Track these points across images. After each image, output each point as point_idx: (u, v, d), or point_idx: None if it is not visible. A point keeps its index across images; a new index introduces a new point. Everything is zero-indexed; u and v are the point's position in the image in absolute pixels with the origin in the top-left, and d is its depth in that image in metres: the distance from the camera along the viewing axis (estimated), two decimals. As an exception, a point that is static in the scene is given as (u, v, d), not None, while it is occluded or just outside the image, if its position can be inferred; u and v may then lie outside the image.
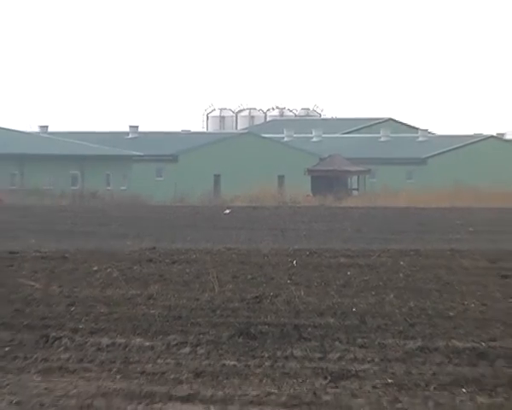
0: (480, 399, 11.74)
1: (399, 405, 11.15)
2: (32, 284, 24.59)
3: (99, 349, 16.06)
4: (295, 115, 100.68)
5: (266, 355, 15.26)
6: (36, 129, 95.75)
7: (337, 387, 12.44)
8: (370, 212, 68.29)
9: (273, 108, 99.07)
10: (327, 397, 11.85)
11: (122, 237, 44.81)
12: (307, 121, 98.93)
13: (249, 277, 28.39)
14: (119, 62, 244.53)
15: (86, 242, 41.69)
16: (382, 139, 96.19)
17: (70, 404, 11.45)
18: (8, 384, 12.82)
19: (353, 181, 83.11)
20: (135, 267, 31.54)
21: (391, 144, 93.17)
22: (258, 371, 13.70)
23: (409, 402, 11.27)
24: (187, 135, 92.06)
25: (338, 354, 15.26)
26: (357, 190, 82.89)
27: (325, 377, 13.18)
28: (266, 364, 14.25)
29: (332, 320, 19.67)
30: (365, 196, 79.81)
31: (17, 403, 11.31)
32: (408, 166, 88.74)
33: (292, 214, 61.58)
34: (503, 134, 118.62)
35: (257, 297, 22.44)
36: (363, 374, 13.53)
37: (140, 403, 11.52)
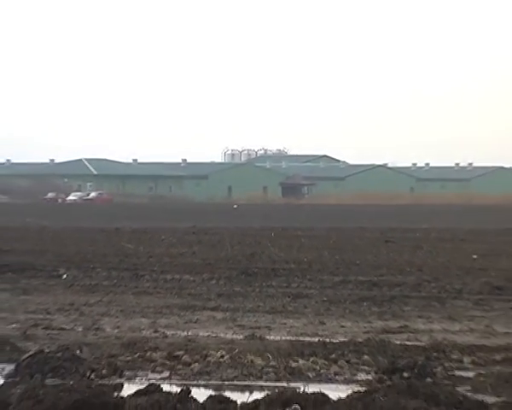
0: (374, 308, 16.73)
1: (330, 312, 15.94)
2: (128, 245, 32.32)
3: (165, 281, 20.89)
4: (273, 152, 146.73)
5: (257, 285, 20.05)
6: (130, 160, 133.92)
7: (296, 302, 17.42)
8: (315, 207, 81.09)
9: (260, 149, 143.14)
10: (290, 307, 16.65)
11: (177, 220, 58.68)
12: (280, 156, 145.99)
13: (247, 242, 35.10)
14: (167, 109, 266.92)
15: (157, 222, 56.60)
16: (321, 166, 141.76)
17: (150, 311, 15.91)
18: (115, 301, 17.22)
19: (305, 189, 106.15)
20: (185, 236, 40.11)
21: (325, 169, 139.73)
22: (252, 294, 18.91)
23: (335, 310, 16.17)
24: (213, 164, 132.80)
25: (296, 284, 20.35)
26: (307, 194, 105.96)
27: (289, 296, 18.16)
28: (257, 290, 19.22)
29: (293, 266, 24.76)
30: (312, 198, 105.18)
31: (121, 311, 15.76)
32: (334, 181, 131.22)
33: (271, 208, 72.03)
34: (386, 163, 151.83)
35: (251, 254, 28.88)
36: (310, 295, 18.22)
37: (187, 311, 16.19)
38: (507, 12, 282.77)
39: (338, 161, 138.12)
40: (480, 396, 8.37)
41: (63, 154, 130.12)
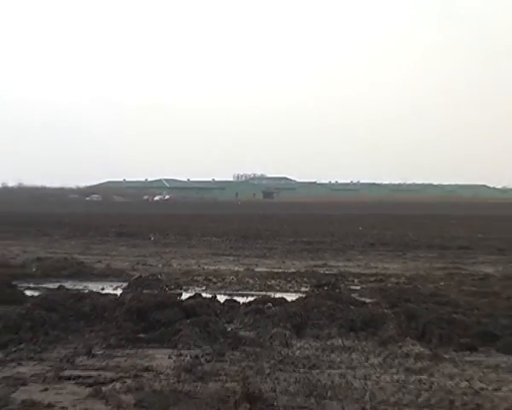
0: (309, 255, 16.16)
1: (287, 257, 15.54)
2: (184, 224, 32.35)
3: (203, 241, 20.99)
4: (258, 175, 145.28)
5: (250, 243, 19.99)
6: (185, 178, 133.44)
7: (270, 252, 17.01)
8: (279, 204, 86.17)
9: (252, 174, 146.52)
10: (267, 254, 16.28)
11: (208, 210, 54.00)
12: (262, 177, 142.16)
13: (245, 221, 34.61)
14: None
15: (198, 211, 51.11)
16: (282, 182, 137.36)
17: (195, 256, 15.61)
18: (178, 251, 16.85)
19: (274, 195, 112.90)
20: (212, 219, 37.74)
21: (285, 184, 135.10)
22: (247, 247, 18.57)
23: (290, 256, 15.47)
24: (228, 181, 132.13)
25: (270, 243, 20.10)
26: (276, 197, 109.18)
27: (266, 249, 17.94)
28: (250, 246, 19.09)
29: (268, 233, 24.41)
30: (278, 199, 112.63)
31: (181, 256, 15.49)
32: (289, 190, 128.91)
33: (257, 204, 73.67)
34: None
35: (248, 228, 27.96)
36: (277, 248, 18.09)
37: (214, 256, 15.88)
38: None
39: (291, 179, 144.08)
40: (362, 298, 9.12)
41: (152, 174, 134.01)
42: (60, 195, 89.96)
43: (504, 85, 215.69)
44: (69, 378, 4.79)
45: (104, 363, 5.30)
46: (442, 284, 10.29)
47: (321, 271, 12.56)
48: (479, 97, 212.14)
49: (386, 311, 7.27)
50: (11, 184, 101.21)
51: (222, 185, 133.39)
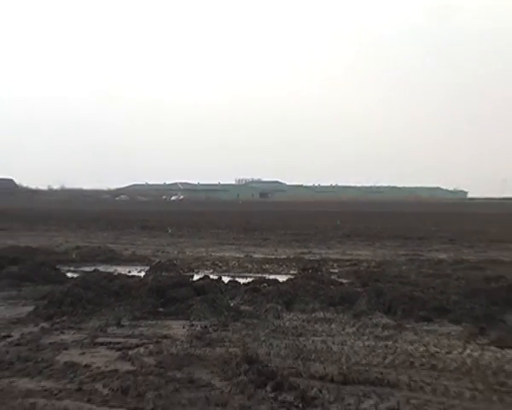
0: (297, 244, 16.09)
1: (279, 246, 15.41)
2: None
3: (211, 233, 20.70)
4: (256, 179, 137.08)
5: (249, 234, 19.88)
6: (196, 182, 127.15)
7: (265, 241, 16.98)
8: (273, 203, 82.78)
9: (250, 178, 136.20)
10: (262, 244, 16.54)
11: (214, 207, 53.97)
12: (258, 181, 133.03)
13: (244, 217, 33.49)
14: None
15: (207, 208, 48.69)
16: (275, 185, 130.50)
17: (204, 245, 15.62)
18: (190, 241, 17.06)
19: (269, 196, 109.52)
20: (218, 214, 38.46)
21: (277, 186, 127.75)
22: (247, 238, 18.50)
23: (281, 245, 15.36)
24: (231, 184, 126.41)
25: (265, 234, 19.84)
26: (270, 197, 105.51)
27: (262, 239, 18.11)
28: (248, 236, 19.10)
29: (263, 226, 24.17)
30: (272, 199, 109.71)
31: (193, 245, 15.77)
32: (280, 192, 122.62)
33: (254, 203, 72.89)
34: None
35: (247, 222, 27.33)
36: (271, 239, 17.98)
37: (220, 245, 15.92)
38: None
39: (282, 183, 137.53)
40: (340, 279, 9.17)
41: (169, 178, 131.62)
42: (94, 195, 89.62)
43: (451, 100, 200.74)
44: (102, 344, 4.82)
45: (130, 332, 5.33)
46: (404, 267, 10.31)
47: (306, 257, 12.50)
48: (438, 110, 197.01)
49: (359, 289, 7.30)
50: (55, 186, 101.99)
51: (226, 188, 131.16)
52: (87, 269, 9.75)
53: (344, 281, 8.49)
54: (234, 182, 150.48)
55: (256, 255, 12.87)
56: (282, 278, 8.53)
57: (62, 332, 5.27)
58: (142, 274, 9.22)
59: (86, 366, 4.14)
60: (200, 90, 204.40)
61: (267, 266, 10.83)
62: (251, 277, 9.08)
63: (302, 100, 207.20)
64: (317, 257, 12.41)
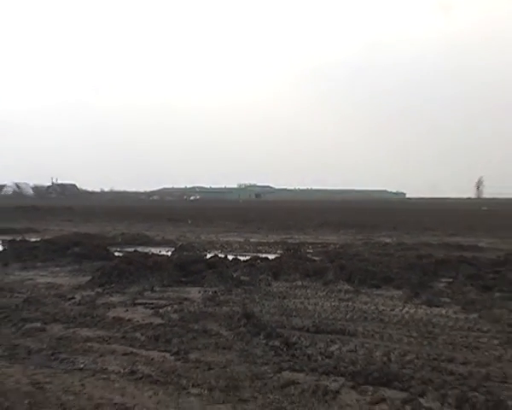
0: (282, 231, 15.37)
1: (269, 233, 14.83)
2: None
3: (219, 223, 19.69)
4: (252, 184, 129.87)
5: (247, 225, 18.71)
6: (208, 186, 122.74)
7: (258, 230, 16.28)
8: (266, 202, 78.30)
9: (248, 183, 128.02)
10: (257, 231, 15.66)
11: (219, 203, 53.23)
12: (254, 185, 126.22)
13: (243, 212, 31.20)
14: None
15: (213, 204, 49.94)
16: (267, 188, 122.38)
17: (214, 232, 15.14)
18: (204, 230, 16.44)
19: (262, 196, 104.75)
20: (224, 209, 36.85)
21: (268, 189, 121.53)
22: (246, 228, 17.65)
23: (271, 232, 15.04)
24: (234, 188, 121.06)
25: (259, 225, 18.80)
26: (263, 198, 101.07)
27: (257, 228, 17.06)
28: (247, 227, 18.05)
29: (258, 219, 22.72)
30: (264, 199, 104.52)
31: (206, 233, 15.09)
32: (271, 193, 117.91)
33: (251, 202, 69.07)
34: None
35: (246, 216, 26.03)
36: (263, 228, 17.19)
37: (225, 232, 15.24)
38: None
39: (272, 187, 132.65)
40: (314, 257, 8.69)
41: (189, 182, 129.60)
42: (134, 196, 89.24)
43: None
44: (140, 304, 4.83)
45: (160, 295, 5.32)
46: (360, 248, 10.23)
47: (289, 241, 12.30)
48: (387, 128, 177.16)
49: (327, 264, 7.16)
50: (106, 189, 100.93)
51: (230, 190, 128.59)
52: (129, 249, 9.58)
53: (316, 258, 8.24)
54: (236, 186, 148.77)
55: (252, 240, 12.63)
56: (271, 256, 8.36)
57: (111, 295, 5.29)
58: (169, 253, 8.99)
59: (129, 320, 4.14)
60: (218, 107, 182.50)
61: (260, 247, 10.64)
62: (248, 255, 8.84)
63: (288, 119, 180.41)
64: (297, 241, 12.17)
